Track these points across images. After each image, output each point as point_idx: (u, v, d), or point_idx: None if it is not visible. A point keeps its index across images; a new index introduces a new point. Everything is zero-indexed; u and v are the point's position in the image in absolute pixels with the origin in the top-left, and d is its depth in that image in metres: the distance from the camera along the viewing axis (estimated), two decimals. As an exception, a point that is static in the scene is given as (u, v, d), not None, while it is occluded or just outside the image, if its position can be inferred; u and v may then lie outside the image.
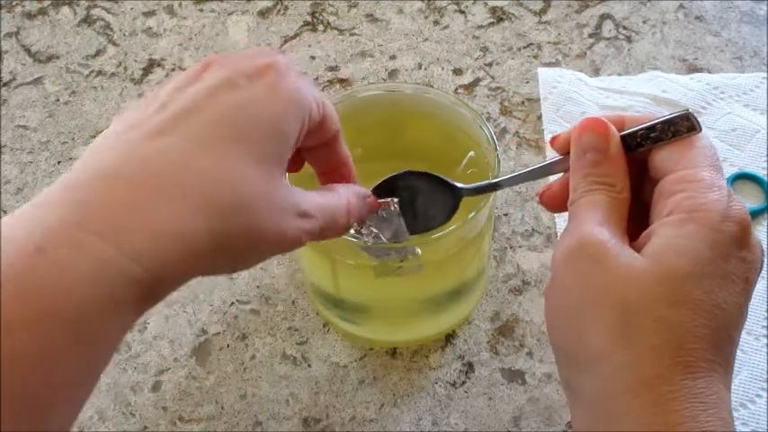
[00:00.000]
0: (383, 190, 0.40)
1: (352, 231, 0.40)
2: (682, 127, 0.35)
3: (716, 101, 0.63)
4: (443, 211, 0.41)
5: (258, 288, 0.54)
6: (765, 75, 0.65)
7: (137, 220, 0.27)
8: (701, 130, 0.35)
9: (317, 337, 0.52)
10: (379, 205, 0.39)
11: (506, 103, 0.64)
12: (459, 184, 0.41)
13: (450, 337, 0.52)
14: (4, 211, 0.58)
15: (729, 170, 0.59)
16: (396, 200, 0.40)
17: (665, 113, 0.35)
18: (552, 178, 0.39)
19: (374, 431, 0.49)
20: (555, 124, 0.62)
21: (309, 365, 0.51)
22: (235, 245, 0.29)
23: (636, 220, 0.35)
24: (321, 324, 0.53)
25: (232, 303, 0.54)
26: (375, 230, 0.40)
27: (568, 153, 0.36)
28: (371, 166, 0.44)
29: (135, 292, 0.27)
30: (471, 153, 0.46)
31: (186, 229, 0.28)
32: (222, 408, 0.50)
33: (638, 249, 0.32)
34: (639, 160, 0.36)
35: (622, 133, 0.36)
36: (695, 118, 0.35)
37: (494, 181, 0.41)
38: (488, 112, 0.63)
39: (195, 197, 0.28)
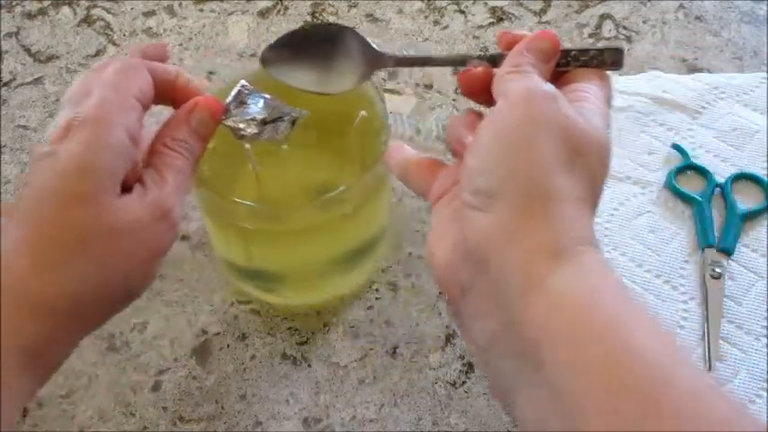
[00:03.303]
0: (300, 38, 0.41)
1: (235, 126, 0.41)
2: (609, 59, 0.38)
3: (716, 101, 0.63)
4: (355, 74, 0.42)
5: (258, 288, 0.55)
6: (765, 75, 0.65)
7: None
8: (622, 67, 0.39)
9: (317, 337, 0.52)
10: (223, 108, 0.40)
11: (506, 103, 0.64)
12: (384, 51, 0.41)
13: (450, 338, 0.52)
14: (4, 211, 0.58)
15: (729, 170, 0.59)
16: (243, 82, 0.41)
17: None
18: None
19: (374, 431, 0.49)
20: None
21: (309, 365, 0.51)
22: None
23: None
24: (321, 324, 0.53)
25: (232, 303, 0.54)
26: (251, 117, 0.41)
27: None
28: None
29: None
30: (363, 113, 0.47)
31: None
32: (222, 408, 0.50)
33: None
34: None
35: (578, 51, 0.39)
36: (623, 55, 0.39)
37: (421, 55, 0.42)
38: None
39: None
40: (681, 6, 0.71)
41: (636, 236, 0.56)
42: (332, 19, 0.70)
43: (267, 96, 0.42)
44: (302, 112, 0.42)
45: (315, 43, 0.41)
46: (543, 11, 0.70)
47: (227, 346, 0.52)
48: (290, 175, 0.49)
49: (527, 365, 0.31)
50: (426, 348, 0.52)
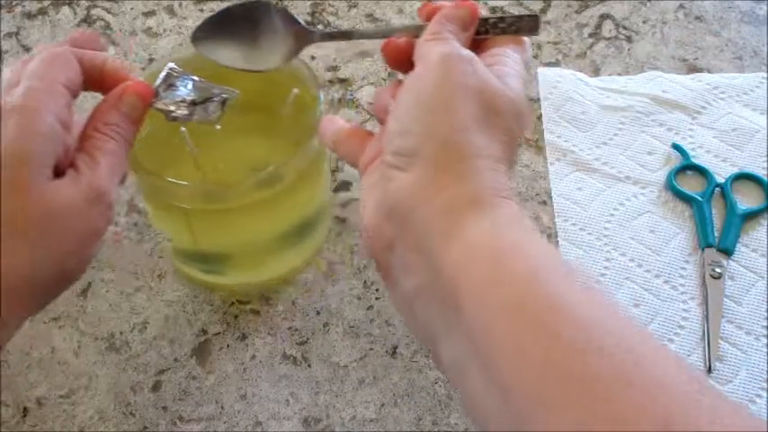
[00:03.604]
0: (229, 17, 0.42)
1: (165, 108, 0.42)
2: (525, 26, 0.40)
3: (716, 101, 0.63)
4: (283, 51, 0.43)
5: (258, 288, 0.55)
6: (765, 75, 0.65)
7: None
8: (538, 33, 0.40)
9: (316, 337, 0.52)
10: (152, 92, 0.41)
11: (506, 103, 0.64)
12: (310, 27, 0.43)
13: (450, 337, 0.52)
14: (4, 211, 0.58)
15: (729, 170, 0.59)
16: (171, 65, 0.42)
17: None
18: None
19: (374, 431, 0.49)
20: (555, 124, 0.62)
21: (309, 365, 0.51)
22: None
23: None
24: (321, 324, 0.53)
25: (232, 303, 0.54)
26: (181, 98, 0.42)
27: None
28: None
29: None
30: (295, 90, 0.49)
31: None
32: (222, 408, 0.50)
33: None
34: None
35: (497, 19, 0.40)
36: (539, 22, 0.40)
37: (347, 29, 0.43)
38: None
39: None
40: (681, 6, 0.71)
41: (636, 236, 0.56)
42: (332, 19, 0.70)
43: (196, 78, 0.43)
44: (232, 92, 0.44)
45: (244, 22, 0.42)
46: (543, 11, 0.70)
47: (227, 346, 0.52)
48: (227, 155, 0.50)
49: (447, 310, 0.32)
50: (426, 348, 0.52)
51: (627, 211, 0.57)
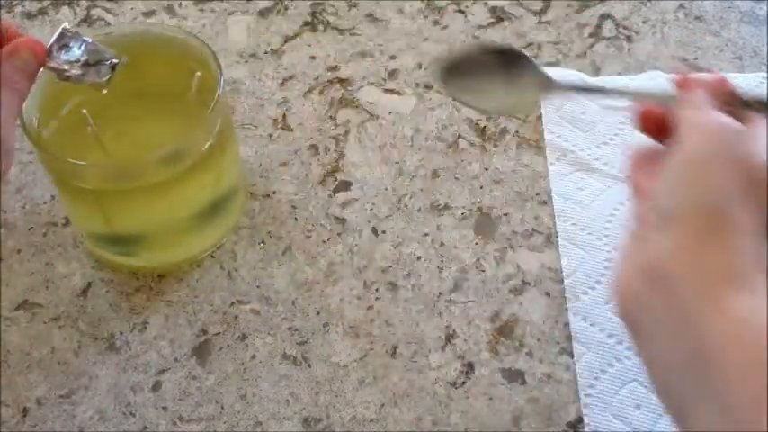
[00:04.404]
0: (475, 57, 0.45)
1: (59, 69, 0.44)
2: None
3: None
4: (528, 97, 0.46)
5: (258, 288, 0.55)
6: (765, 75, 0.65)
7: None
8: None
9: (317, 337, 0.52)
10: (44, 49, 0.43)
11: (506, 103, 0.64)
12: (548, 73, 0.44)
13: (450, 338, 0.52)
14: (4, 211, 0.58)
15: None
16: (65, 25, 0.45)
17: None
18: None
19: (374, 431, 0.49)
20: (555, 124, 0.62)
21: (309, 365, 0.51)
22: None
23: None
24: (321, 324, 0.53)
25: (232, 303, 0.54)
26: (75, 59, 0.45)
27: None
28: (113, 111, 0.51)
29: None
30: (198, 73, 0.52)
31: None
32: (222, 408, 0.50)
33: None
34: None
35: (749, 97, 0.42)
36: None
37: (594, 85, 0.44)
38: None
39: None
40: (681, 6, 0.71)
41: None
42: (332, 19, 0.70)
43: (88, 40, 0.45)
44: (122, 57, 0.46)
45: (492, 65, 0.45)
46: (543, 11, 0.70)
47: (227, 346, 0.52)
48: (135, 139, 0.53)
49: (701, 381, 0.32)
50: (426, 348, 0.52)
51: (626, 210, 0.57)
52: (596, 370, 0.50)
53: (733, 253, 0.34)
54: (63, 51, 0.44)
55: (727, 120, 0.38)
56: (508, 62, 0.45)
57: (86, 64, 0.45)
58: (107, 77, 0.45)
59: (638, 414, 0.49)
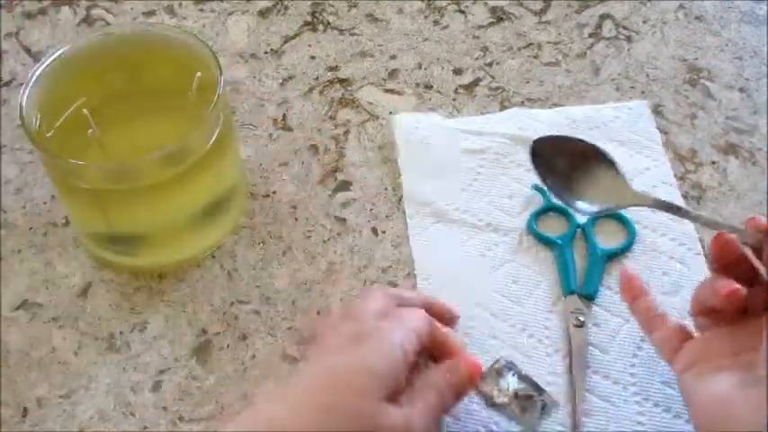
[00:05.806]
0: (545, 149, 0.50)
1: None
2: None
3: (573, 135, 0.54)
4: (612, 202, 0.48)
5: (258, 288, 0.55)
6: (625, 105, 0.62)
7: None
8: None
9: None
10: (480, 372, 0.45)
11: (506, 103, 0.64)
12: (637, 191, 0.48)
13: (450, 337, 0.52)
14: (4, 211, 0.58)
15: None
16: (506, 360, 0.46)
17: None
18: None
19: (374, 431, 0.49)
20: (413, 172, 0.59)
21: (309, 365, 0.51)
22: None
23: None
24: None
25: (232, 303, 0.54)
26: (506, 387, 0.45)
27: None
28: (113, 112, 0.52)
29: None
30: (198, 74, 0.52)
31: None
32: (222, 408, 0.50)
33: None
34: None
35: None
36: None
37: (680, 206, 0.46)
38: (489, 112, 0.63)
39: None
40: (681, 6, 0.71)
41: (499, 289, 0.53)
42: (332, 19, 0.70)
43: (522, 373, 0.46)
44: (554, 401, 0.46)
45: (585, 162, 0.49)
46: (543, 11, 0.70)
47: (227, 346, 0.52)
48: (135, 139, 0.53)
49: None
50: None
51: (488, 261, 0.54)
52: None
53: None
54: (496, 377, 0.45)
55: None
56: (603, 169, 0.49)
57: (516, 395, 0.45)
58: (535, 420, 0.45)
59: None
